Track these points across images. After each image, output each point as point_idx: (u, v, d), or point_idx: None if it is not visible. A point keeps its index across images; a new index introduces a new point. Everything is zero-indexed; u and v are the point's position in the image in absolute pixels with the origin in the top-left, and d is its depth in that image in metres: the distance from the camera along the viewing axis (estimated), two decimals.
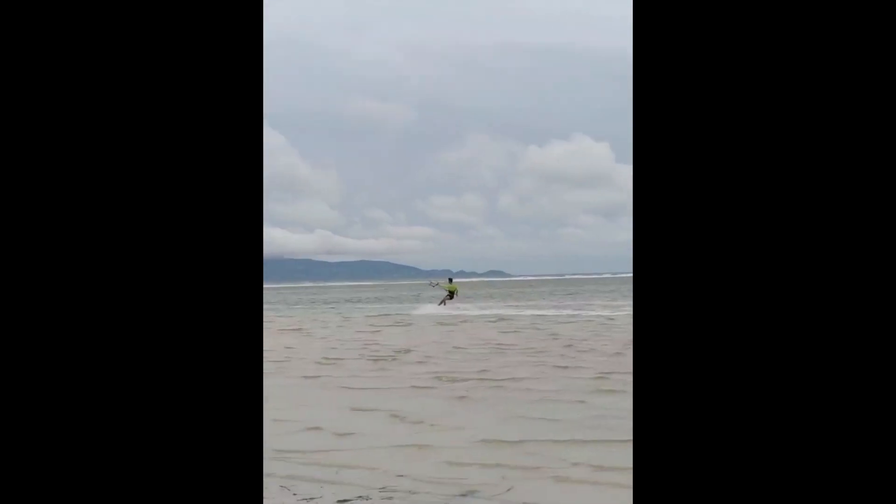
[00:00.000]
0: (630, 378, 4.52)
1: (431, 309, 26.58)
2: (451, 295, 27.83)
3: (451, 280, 29.28)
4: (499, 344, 12.87)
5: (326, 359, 11.20)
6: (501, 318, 20.76)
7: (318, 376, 9.24)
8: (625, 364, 9.50)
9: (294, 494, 4.44)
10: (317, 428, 6.06)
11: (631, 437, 2.09)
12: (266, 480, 4.38)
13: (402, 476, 4.70)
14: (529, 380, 8.40)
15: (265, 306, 36.65)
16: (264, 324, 20.78)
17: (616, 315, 20.38)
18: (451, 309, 26.20)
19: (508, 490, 4.39)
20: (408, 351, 12.04)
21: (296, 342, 14.56)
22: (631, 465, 2.05)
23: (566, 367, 9.40)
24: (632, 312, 2.15)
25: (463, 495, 4.34)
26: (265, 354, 12.03)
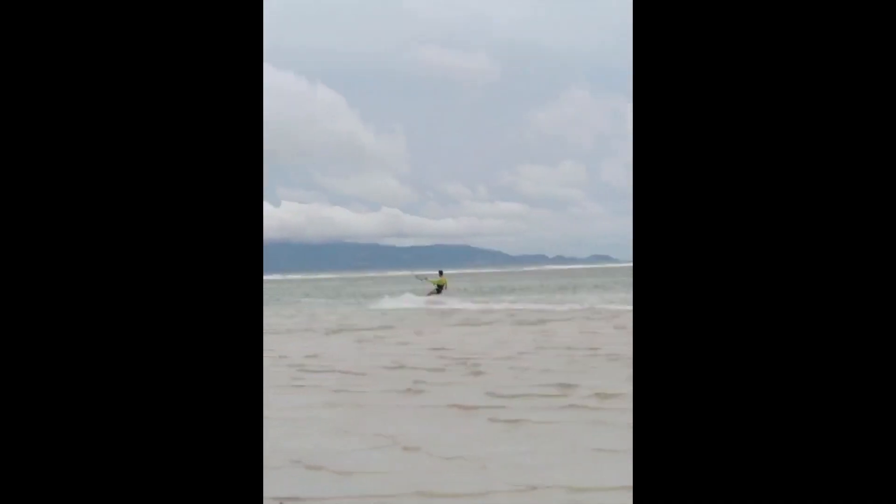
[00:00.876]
0: None
1: (402, 302, 28.50)
2: (439, 289, 30.72)
3: (441, 273, 32.26)
4: (574, 348, 12.18)
5: (358, 370, 10.77)
6: (591, 317, 20.02)
7: (345, 390, 8.77)
8: None
9: None
10: (317, 468, 5.57)
11: None
12: None
13: None
14: (614, 397, 7.69)
15: (316, 300, 37.24)
16: (307, 323, 20.84)
17: None
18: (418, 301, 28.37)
19: None
20: (464, 361, 11.48)
21: (330, 348, 14.23)
22: None
23: None
24: None
25: None
26: (291, 360, 11.80)
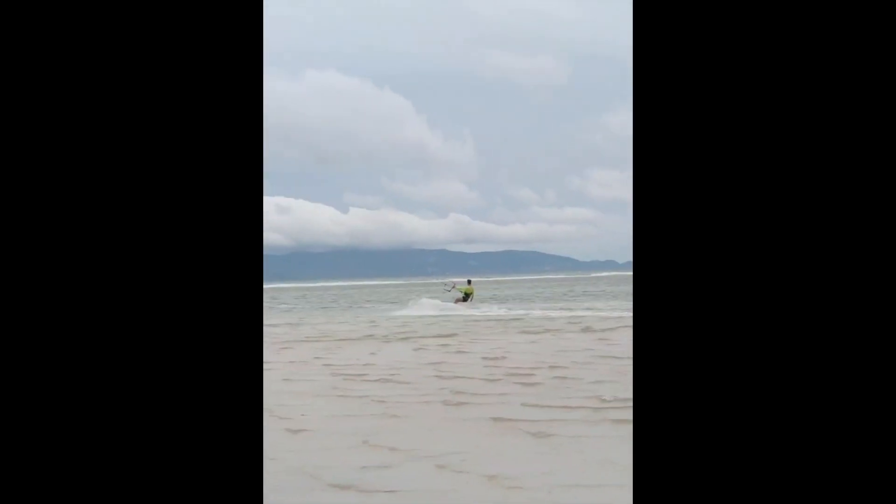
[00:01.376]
0: None
1: (420, 309, 29.56)
2: (466, 297, 32.71)
3: (469, 282, 34.25)
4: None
5: (408, 380, 10.53)
6: None
7: (389, 401, 8.53)
8: None
9: None
10: (343, 486, 5.33)
11: None
12: None
13: None
14: None
15: (382, 304, 37.56)
16: (366, 329, 20.76)
17: None
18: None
19: None
20: (516, 371, 11.16)
21: (386, 356, 14.04)
22: None
23: None
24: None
25: None
26: (337, 369, 11.65)
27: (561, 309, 27.77)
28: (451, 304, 31.28)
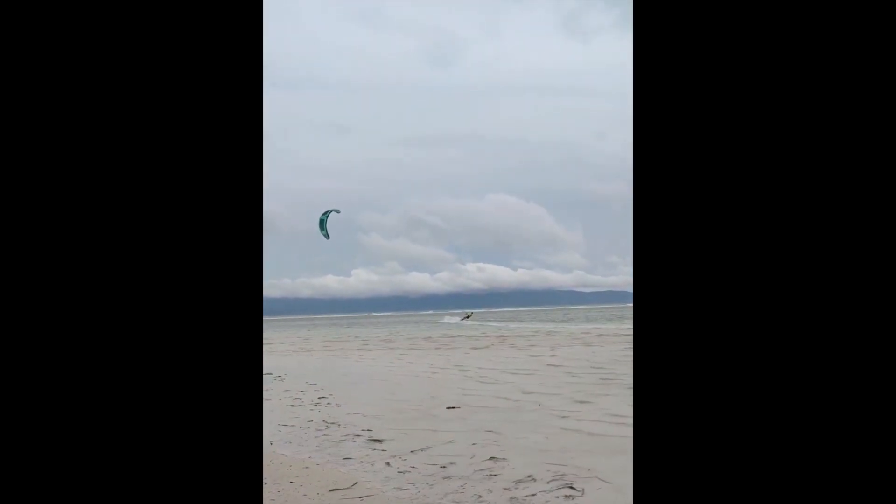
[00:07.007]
0: None
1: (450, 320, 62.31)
2: (468, 316, 68.03)
3: (471, 311, 74.73)
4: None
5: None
6: None
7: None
8: None
9: None
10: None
11: None
12: None
13: None
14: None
15: (530, 324, 51.99)
16: (503, 339, 28.03)
17: None
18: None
19: None
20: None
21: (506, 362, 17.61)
22: None
23: None
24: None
25: None
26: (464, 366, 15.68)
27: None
28: (463, 321, 58.98)
